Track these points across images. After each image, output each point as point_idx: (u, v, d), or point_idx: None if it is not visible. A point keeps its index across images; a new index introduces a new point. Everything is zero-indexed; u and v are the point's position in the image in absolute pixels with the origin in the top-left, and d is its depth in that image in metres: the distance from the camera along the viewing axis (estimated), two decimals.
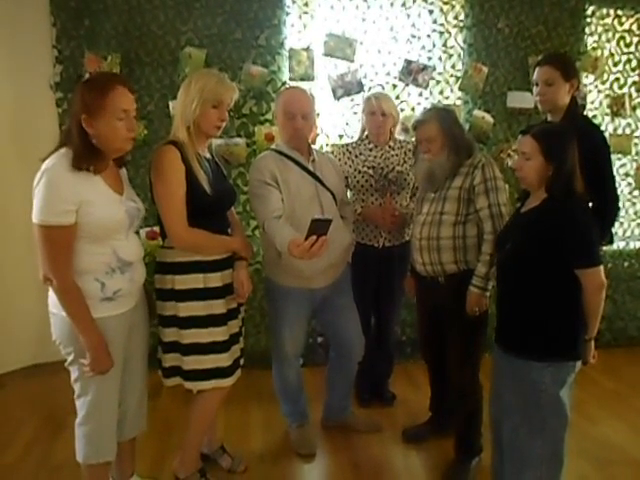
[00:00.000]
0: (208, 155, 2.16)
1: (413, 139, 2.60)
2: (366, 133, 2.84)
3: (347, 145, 2.87)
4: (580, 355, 1.85)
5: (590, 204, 2.01)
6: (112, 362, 1.79)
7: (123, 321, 1.86)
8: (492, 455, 2.09)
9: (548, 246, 1.78)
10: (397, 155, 2.79)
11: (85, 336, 1.73)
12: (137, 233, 1.97)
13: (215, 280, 2.09)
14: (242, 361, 2.29)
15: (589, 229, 1.78)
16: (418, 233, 2.35)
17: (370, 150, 2.80)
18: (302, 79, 3.31)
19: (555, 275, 1.80)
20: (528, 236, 1.83)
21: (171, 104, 3.16)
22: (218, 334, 2.10)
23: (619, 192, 2.45)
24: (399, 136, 2.98)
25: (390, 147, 2.81)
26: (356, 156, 2.80)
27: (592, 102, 3.69)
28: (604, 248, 3.39)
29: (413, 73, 3.43)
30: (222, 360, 2.12)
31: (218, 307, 2.10)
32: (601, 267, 1.78)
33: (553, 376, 1.82)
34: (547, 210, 1.82)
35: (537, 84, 2.36)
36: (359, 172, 2.76)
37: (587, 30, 3.63)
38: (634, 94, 3.73)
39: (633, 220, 3.90)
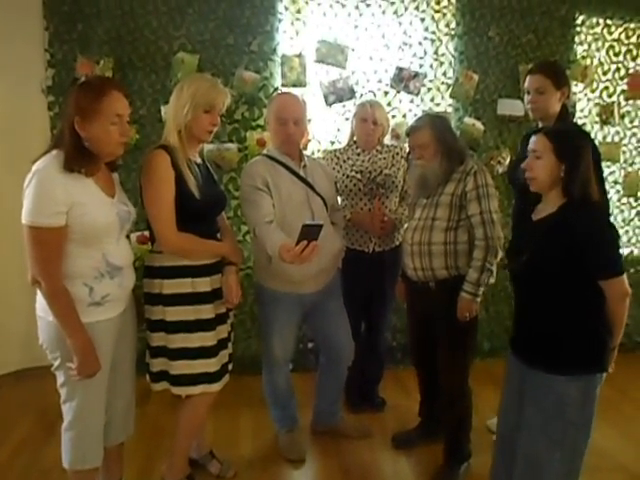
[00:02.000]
0: (199, 160, 2.16)
1: (405, 144, 2.60)
2: (354, 138, 2.85)
3: (335, 150, 2.89)
4: (606, 367, 1.75)
5: None
6: (100, 365, 1.77)
7: (111, 326, 1.85)
8: (493, 466, 2.00)
9: (568, 256, 1.66)
10: (385, 159, 2.80)
11: (73, 339, 1.71)
12: (128, 237, 1.96)
13: (204, 285, 2.09)
14: (230, 366, 2.28)
15: (611, 237, 1.69)
16: (410, 238, 2.36)
17: (358, 155, 2.81)
18: (294, 85, 3.32)
19: (577, 285, 1.70)
20: (546, 246, 1.71)
21: (163, 109, 3.16)
22: (206, 339, 2.09)
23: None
24: (389, 142, 2.99)
25: (378, 151, 2.81)
26: (344, 161, 2.81)
27: (581, 110, 3.74)
28: None
29: (404, 80, 3.45)
30: (210, 365, 2.11)
31: (206, 312, 2.09)
32: (624, 275, 1.68)
33: (579, 390, 1.71)
34: (565, 218, 1.70)
35: (528, 92, 2.38)
36: (347, 176, 2.77)
37: (577, 39, 3.67)
38: (623, 102, 3.78)
39: (621, 227, 3.94)
